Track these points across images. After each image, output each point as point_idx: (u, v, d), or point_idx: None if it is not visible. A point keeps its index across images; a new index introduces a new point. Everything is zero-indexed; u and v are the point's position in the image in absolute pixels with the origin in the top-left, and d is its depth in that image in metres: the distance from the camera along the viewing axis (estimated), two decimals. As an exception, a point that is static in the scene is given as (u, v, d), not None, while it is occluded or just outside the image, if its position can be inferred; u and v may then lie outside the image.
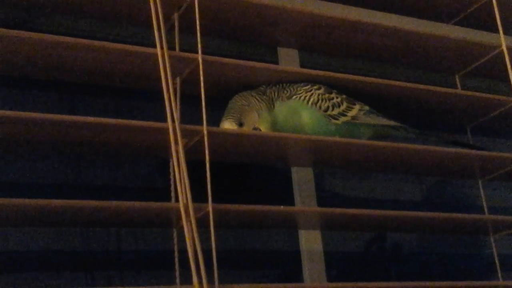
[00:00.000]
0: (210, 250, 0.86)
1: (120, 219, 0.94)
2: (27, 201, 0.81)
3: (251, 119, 1.00)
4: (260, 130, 1.01)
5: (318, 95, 1.03)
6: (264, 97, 1.02)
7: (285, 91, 1.03)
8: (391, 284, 1.03)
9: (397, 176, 1.33)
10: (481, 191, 1.26)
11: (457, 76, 1.32)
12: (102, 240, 1.02)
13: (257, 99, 1.01)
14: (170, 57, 0.91)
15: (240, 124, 1.00)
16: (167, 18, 0.96)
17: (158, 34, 0.91)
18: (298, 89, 1.03)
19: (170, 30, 0.97)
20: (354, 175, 1.29)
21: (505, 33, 1.22)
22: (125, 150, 0.99)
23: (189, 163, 0.89)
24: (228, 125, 0.99)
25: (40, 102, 1.03)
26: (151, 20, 0.92)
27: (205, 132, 0.90)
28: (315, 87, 1.04)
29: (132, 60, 0.93)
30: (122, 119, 0.88)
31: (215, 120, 0.97)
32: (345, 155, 1.08)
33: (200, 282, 0.84)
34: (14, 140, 0.90)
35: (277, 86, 1.04)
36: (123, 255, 1.04)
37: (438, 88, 1.16)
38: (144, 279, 1.03)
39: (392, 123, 1.08)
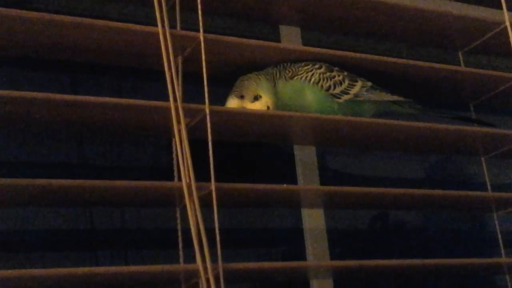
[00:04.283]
0: (213, 229, 0.86)
1: (123, 199, 0.95)
2: (30, 181, 0.81)
3: (249, 89, 1.01)
4: (260, 96, 1.01)
5: (319, 74, 1.03)
6: (263, 72, 1.03)
7: (287, 71, 1.03)
8: (394, 261, 1.03)
9: (400, 153, 1.33)
10: (484, 168, 1.25)
11: (460, 53, 1.31)
12: (106, 219, 1.02)
13: (255, 74, 1.02)
14: (171, 35, 0.91)
15: (241, 97, 1.00)
16: (168, -3, 0.96)
17: (159, 13, 0.91)
18: (300, 69, 1.03)
19: (171, 8, 0.97)
20: (357, 153, 1.29)
21: (508, 9, 1.21)
22: (128, 129, 0.98)
23: (191, 142, 0.88)
24: (230, 101, 1.00)
25: (41, 82, 1.03)
26: (152, -1, 0.91)
27: (207, 111, 0.90)
28: (316, 66, 1.04)
29: (134, 39, 0.93)
30: (124, 98, 0.88)
31: (217, 99, 0.97)
32: (347, 133, 1.08)
33: (204, 261, 0.84)
34: (16, 120, 0.90)
35: (279, 66, 1.04)
36: (126, 235, 1.04)
37: (441, 65, 1.15)
38: (147, 258, 1.04)
39: (395, 98, 1.08)
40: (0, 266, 0.94)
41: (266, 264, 0.96)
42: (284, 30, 1.22)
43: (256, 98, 1.01)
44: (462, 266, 1.11)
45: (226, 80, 1.03)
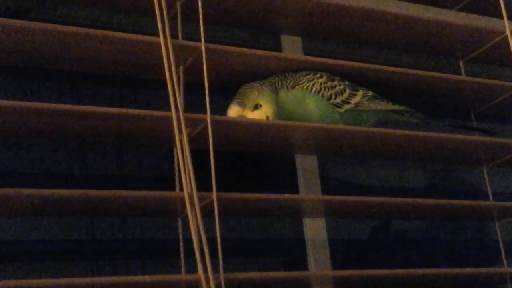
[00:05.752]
0: (215, 239, 0.86)
1: (125, 208, 0.94)
2: (32, 191, 0.81)
3: (251, 97, 1.01)
4: (261, 106, 1.01)
5: (320, 84, 1.03)
6: (266, 81, 1.03)
7: (288, 80, 1.03)
8: (396, 271, 1.03)
9: (402, 163, 1.33)
10: (486, 177, 1.25)
11: (461, 62, 1.31)
12: (107, 229, 1.02)
13: (258, 83, 1.02)
14: (173, 45, 0.91)
15: (242, 105, 1.00)
16: (170, 7, 0.96)
17: (161, 23, 0.91)
18: (301, 78, 1.03)
19: (173, 18, 0.97)
20: (359, 163, 1.29)
21: (509, 18, 1.22)
22: (130, 139, 0.98)
23: (193, 152, 0.88)
24: (232, 108, 1.00)
25: (43, 92, 1.03)
26: (154, 9, 0.92)
27: (209, 120, 0.90)
28: (317, 75, 1.04)
29: (135, 49, 0.93)
30: (126, 108, 0.88)
31: (219, 108, 0.97)
32: (349, 143, 1.08)
33: (205, 271, 0.84)
34: (18, 130, 0.90)
35: (281, 76, 1.04)
36: (128, 244, 1.04)
37: (442, 75, 1.15)
38: (149, 268, 1.03)
39: (396, 107, 1.08)
40: (2, 276, 0.94)
41: (268, 274, 0.96)
42: (285, 39, 1.22)
43: (256, 107, 1.01)
44: (464, 276, 1.11)
45: (227, 89, 1.03)
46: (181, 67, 0.97)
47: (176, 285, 0.90)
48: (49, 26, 0.86)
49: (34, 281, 0.78)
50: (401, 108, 1.09)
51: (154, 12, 0.91)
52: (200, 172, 0.88)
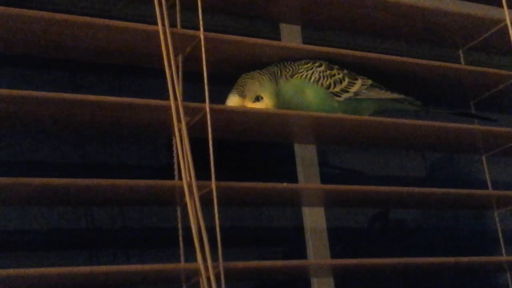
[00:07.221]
0: (214, 228, 0.86)
1: (124, 197, 0.95)
2: (30, 180, 0.81)
3: (252, 88, 1.00)
4: (262, 98, 1.00)
5: (319, 72, 1.03)
6: (266, 71, 1.02)
7: (287, 69, 1.03)
8: (395, 260, 1.03)
9: (401, 152, 1.33)
10: (485, 166, 1.25)
11: (460, 51, 1.31)
12: (107, 218, 1.02)
13: (259, 73, 1.02)
14: (171, 34, 0.91)
15: (243, 95, 1.00)
16: (168, -5, 0.96)
17: (160, 11, 0.91)
18: (300, 67, 1.03)
19: (171, 7, 0.96)
20: (358, 152, 1.29)
21: (509, 7, 1.21)
22: (128, 128, 0.98)
23: (192, 141, 0.88)
24: (232, 98, 1.00)
25: (41, 80, 1.03)
26: (153, -3, 0.91)
27: (208, 109, 0.90)
28: (316, 64, 1.04)
29: (134, 38, 0.93)
30: (125, 97, 0.88)
31: (217, 97, 0.97)
32: (348, 132, 1.08)
33: (204, 260, 0.84)
34: (16, 119, 0.90)
35: (280, 64, 1.04)
36: (127, 233, 1.04)
37: (442, 63, 1.15)
38: (148, 257, 1.04)
39: (395, 95, 1.08)
40: (1, 265, 0.94)
41: (267, 263, 0.96)
42: (284, 28, 1.22)
43: (258, 99, 1.00)
44: (462, 264, 1.11)
45: (226, 78, 1.02)
46: (179, 56, 0.96)
47: (175, 274, 0.90)
48: (47, 14, 0.86)
49: (34, 270, 0.78)
50: (400, 96, 1.09)
51: (153, 0, 0.91)
52: (199, 161, 0.88)
